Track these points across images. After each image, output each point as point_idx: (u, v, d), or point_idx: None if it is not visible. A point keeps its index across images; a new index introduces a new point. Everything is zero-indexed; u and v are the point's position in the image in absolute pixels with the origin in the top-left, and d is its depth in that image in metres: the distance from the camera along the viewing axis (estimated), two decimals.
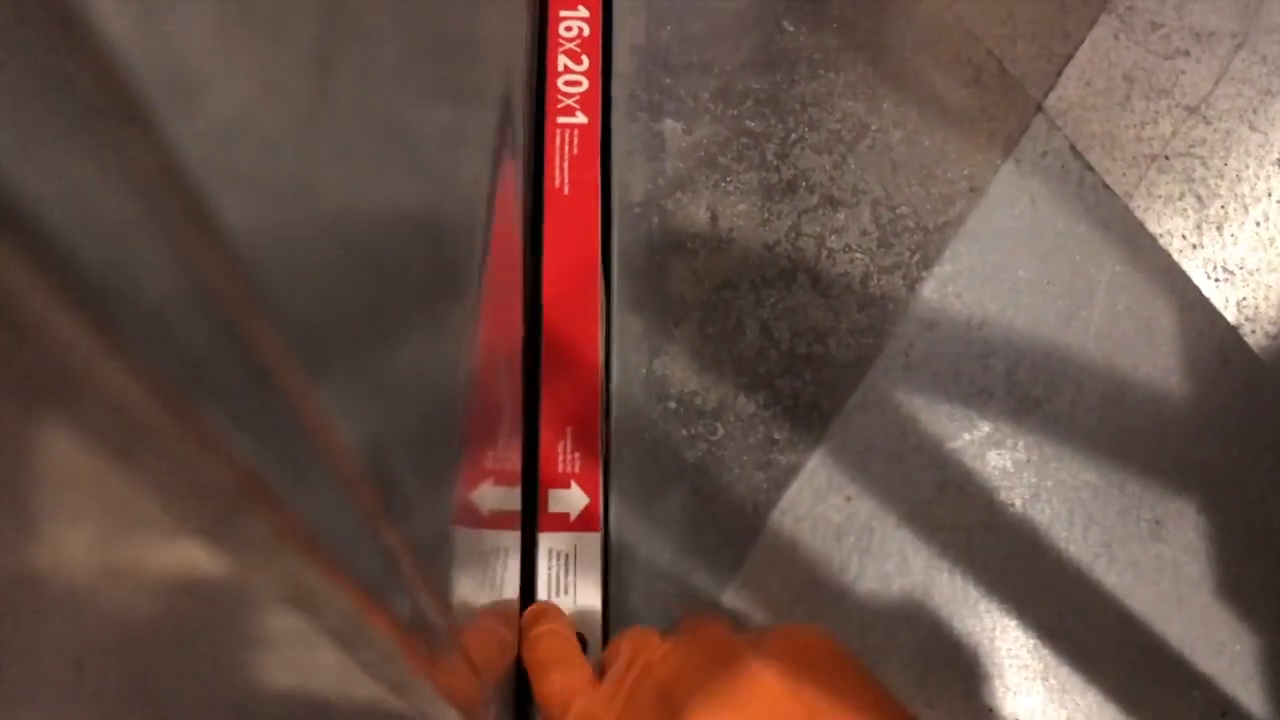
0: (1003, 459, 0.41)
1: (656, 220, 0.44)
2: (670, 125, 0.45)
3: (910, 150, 0.45)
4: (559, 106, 0.45)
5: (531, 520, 0.38)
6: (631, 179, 0.44)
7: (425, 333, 0.21)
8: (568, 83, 0.46)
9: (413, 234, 0.20)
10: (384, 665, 0.15)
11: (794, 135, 0.45)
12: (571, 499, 0.39)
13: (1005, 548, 0.40)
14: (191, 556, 0.12)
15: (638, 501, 0.40)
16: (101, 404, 0.08)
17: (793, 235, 0.43)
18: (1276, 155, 0.45)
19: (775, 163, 0.44)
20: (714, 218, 0.43)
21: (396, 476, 0.15)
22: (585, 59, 0.47)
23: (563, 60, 0.46)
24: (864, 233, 0.43)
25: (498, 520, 0.33)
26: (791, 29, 0.46)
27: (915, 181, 0.44)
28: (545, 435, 0.40)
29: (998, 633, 0.39)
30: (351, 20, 0.16)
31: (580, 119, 0.45)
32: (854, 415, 0.41)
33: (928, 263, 0.43)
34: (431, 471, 0.21)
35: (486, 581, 0.29)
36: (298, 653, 0.18)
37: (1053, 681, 0.39)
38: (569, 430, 0.40)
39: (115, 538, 0.12)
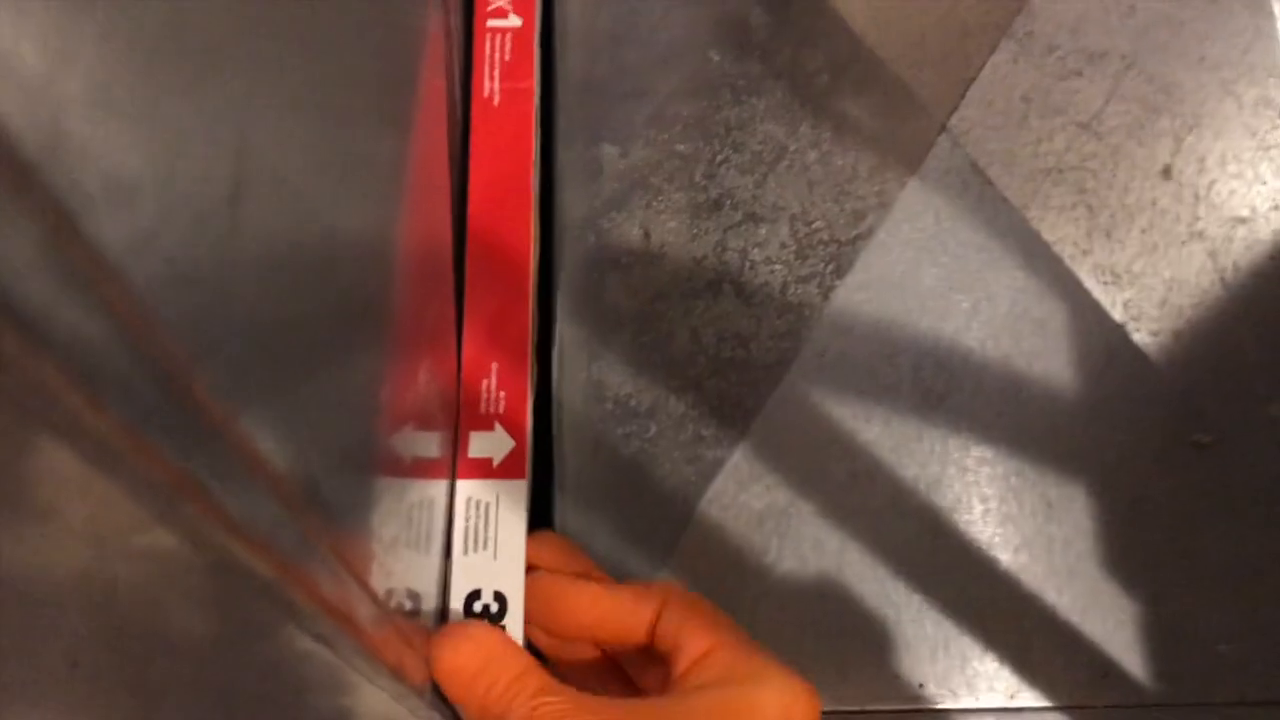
0: (909, 449, 0.45)
1: (594, 239, 0.48)
2: (607, 149, 0.49)
3: (825, 169, 0.49)
4: (489, 8, 0.41)
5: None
6: (571, 200, 0.48)
7: (348, 339, 0.25)
8: None
9: (331, 243, 0.24)
10: (312, 624, 0.19)
11: (720, 157, 0.49)
12: (495, 443, 0.36)
13: (911, 530, 0.45)
14: (161, 541, 0.16)
15: (576, 496, 0.44)
16: (78, 428, 0.12)
17: (719, 249, 0.48)
18: (1160, 167, 0.50)
19: (703, 183, 0.48)
20: (646, 235, 0.48)
21: (316, 466, 0.19)
22: None
23: None
24: (783, 246, 0.48)
25: (429, 469, 0.32)
26: (718, 58, 0.50)
27: (830, 198, 0.48)
28: (468, 371, 0.36)
29: (903, 607, 0.44)
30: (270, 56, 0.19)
31: (513, 21, 0.41)
32: (774, 413, 0.46)
33: (841, 272, 0.47)
34: (356, 452, 0.25)
35: (416, 537, 0.31)
36: (272, 643, 0.22)
37: (953, 649, 0.43)
38: (495, 366, 0.37)
39: (101, 528, 0.16)
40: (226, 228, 0.13)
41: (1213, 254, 0.49)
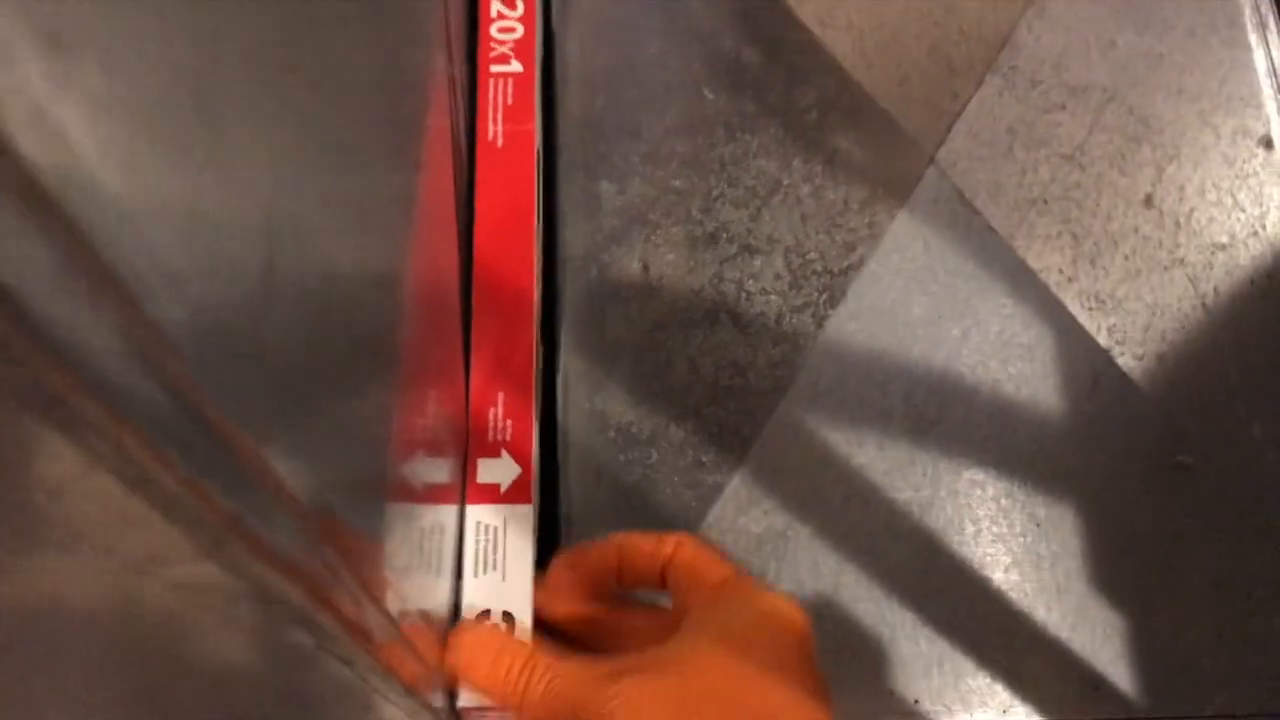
0: (902, 473, 0.47)
1: (595, 272, 0.49)
2: (605, 186, 0.51)
3: (818, 202, 0.51)
4: (492, 55, 0.43)
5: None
6: (572, 235, 0.50)
7: (367, 377, 0.27)
8: (501, 29, 0.44)
9: (352, 290, 0.26)
10: (335, 645, 0.20)
11: (715, 192, 0.51)
12: (502, 469, 0.37)
13: (905, 551, 0.46)
14: (202, 570, 0.18)
15: (581, 522, 0.46)
16: (145, 477, 0.13)
17: (715, 281, 0.49)
18: (1142, 195, 0.51)
19: (699, 217, 0.50)
20: (645, 268, 0.49)
21: (340, 497, 0.21)
22: (520, 3, 0.44)
23: (495, 5, 0.44)
24: (777, 277, 0.49)
25: (439, 494, 0.34)
26: (712, 96, 0.52)
27: (822, 230, 0.50)
28: (475, 401, 0.38)
29: (898, 626, 0.45)
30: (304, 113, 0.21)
31: (515, 67, 0.43)
32: (771, 439, 0.47)
33: (834, 302, 0.49)
34: (374, 480, 0.27)
35: (429, 559, 0.33)
36: (292, 668, 0.24)
37: (947, 667, 0.45)
38: (501, 396, 0.38)
39: (148, 563, 0.18)
40: (262, 297, 0.15)
41: (1194, 280, 0.50)
